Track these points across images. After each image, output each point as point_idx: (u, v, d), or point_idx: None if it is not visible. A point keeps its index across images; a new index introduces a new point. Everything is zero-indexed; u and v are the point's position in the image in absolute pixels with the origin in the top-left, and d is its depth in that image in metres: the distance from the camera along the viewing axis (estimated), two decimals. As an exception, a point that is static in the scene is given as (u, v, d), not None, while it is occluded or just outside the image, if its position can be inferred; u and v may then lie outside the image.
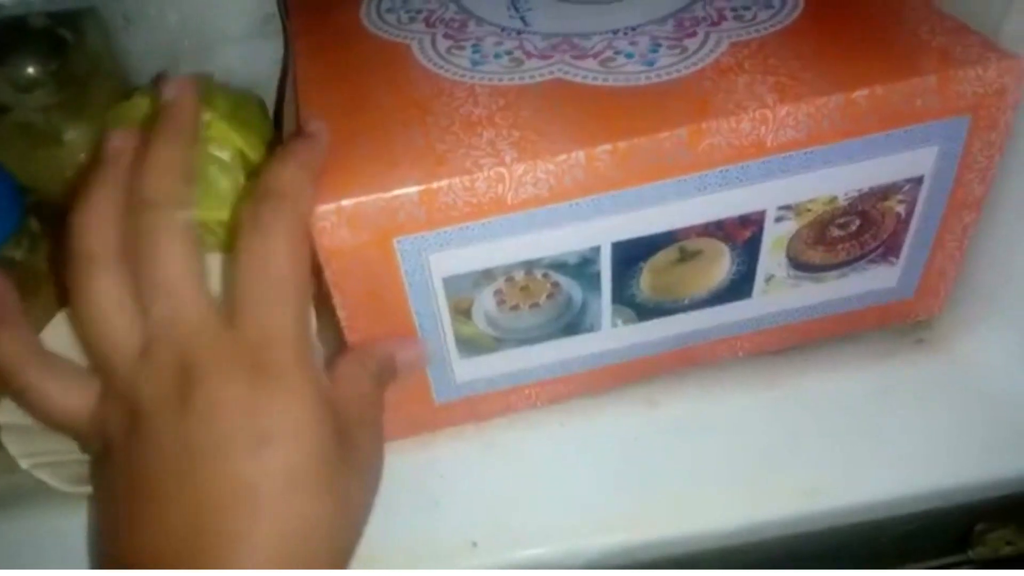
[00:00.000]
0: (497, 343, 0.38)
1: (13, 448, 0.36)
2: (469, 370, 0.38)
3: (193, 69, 0.51)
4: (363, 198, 0.31)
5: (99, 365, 0.31)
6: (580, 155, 0.31)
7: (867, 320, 0.42)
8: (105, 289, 0.31)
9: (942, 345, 0.42)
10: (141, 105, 0.45)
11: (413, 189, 0.31)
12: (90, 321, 0.31)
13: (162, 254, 0.30)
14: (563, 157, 0.31)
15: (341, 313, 0.35)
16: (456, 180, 0.31)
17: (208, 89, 0.47)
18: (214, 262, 0.43)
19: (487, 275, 0.35)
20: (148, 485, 0.29)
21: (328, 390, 0.32)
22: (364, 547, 0.35)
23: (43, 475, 0.36)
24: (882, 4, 0.37)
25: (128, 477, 0.29)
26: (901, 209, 0.37)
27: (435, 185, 0.31)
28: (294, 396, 0.29)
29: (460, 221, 0.32)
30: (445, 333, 0.37)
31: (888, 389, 0.41)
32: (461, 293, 0.35)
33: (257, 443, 0.28)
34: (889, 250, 0.38)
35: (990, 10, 0.37)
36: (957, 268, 0.40)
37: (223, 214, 0.42)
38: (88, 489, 0.36)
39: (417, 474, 0.39)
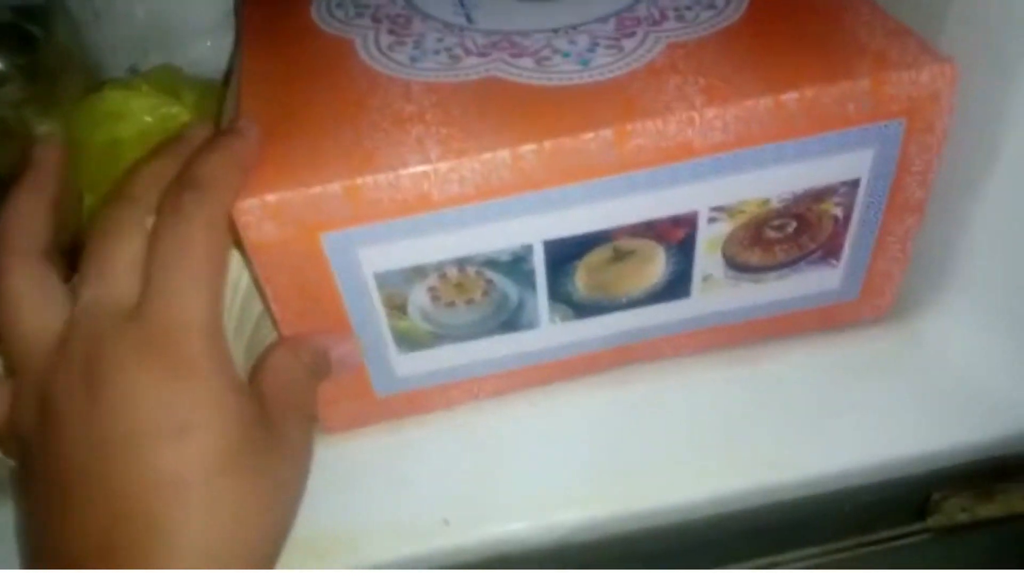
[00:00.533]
0: (435, 338, 0.38)
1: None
2: (408, 365, 0.39)
3: (161, 60, 0.52)
4: (287, 192, 0.31)
5: (14, 360, 0.31)
6: (505, 154, 0.32)
7: (813, 321, 0.42)
8: (22, 279, 0.31)
9: (899, 321, 0.42)
10: (111, 98, 0.46)
11: (337, 184, 0.31)
12: (4, 313, 0.31)
13: (114, 244, 0.31)
14: (488, 155, 0.32)
15: (273, 308, 0.35)
16: (381, 176, 0.31)
17: (175, 81, 0.48)
18: None
19: (419, 271, 0.35)
20: (65, 482, 0.29)
21: (254, 379, 0.32)
22: (334, 526, 0.37)
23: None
24: (826, 6, 0.37)
25: (44, 476, 0.29)
26: (838, 212, 0.37)
27: (359, 181, 0.31)
28: (207, 385, 0.29)
29: (387, 217, 0.32)
30: (381, 327, 0.37)
31: (846, 365, 0.41)
32: (394, 288, 0.35)
33: (176, 432, 0.28)
34: (829, 252, 0.38)
35: (932, 11, 0.36)
36: (902, 269, 0.40)
37: None
38: None
39: (386, 456, 0.40)
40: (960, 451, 0.39)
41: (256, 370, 0.34)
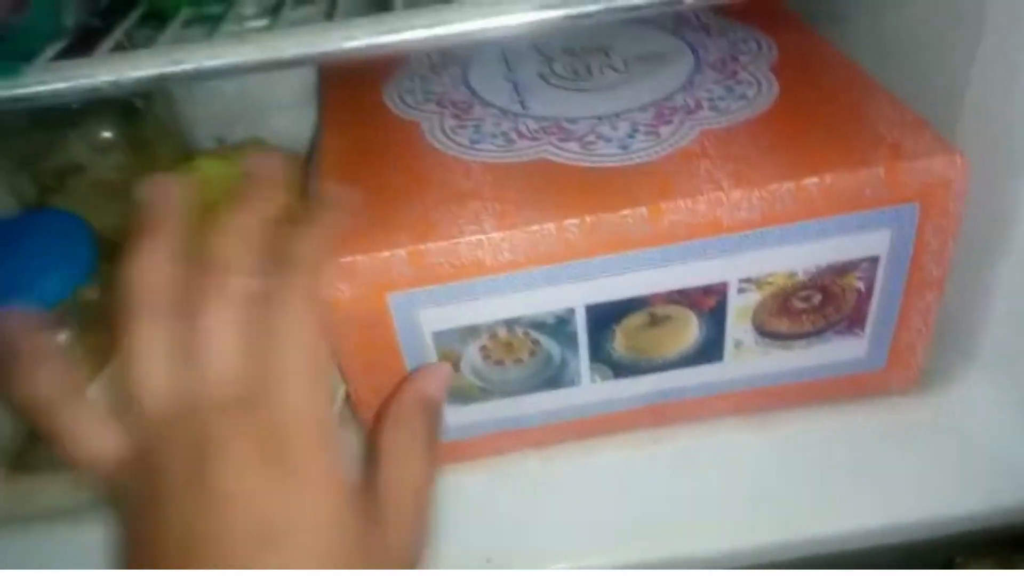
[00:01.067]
0: (484, 393, 0.41)
1: None
2: (458, 416, 0.42)
3: (245, 132, 0.58)
4: (360, 256, 0.35)
5: (130, 413, 0.30)
6: (551, 227, 0.35)
7: (843, 389, 0.44)
8: (150, 336, 0.30)
9: (925, 391, 0.45)
10: (206, 166, 0.51)
11: (402, 251, 0.35)
12: (130, 366, 0.30)
13: (214, 317, 0.30)
14: (536, 227, 0.35)
15: (342, 362, 0.39)
16: (442, 244, 0.35)
17: (261, 152, 0.53)
18: None
19: (472, 331, 0.39)
20: (151, 559, 0.28)
21: (371, 464, 0.33)
22: None
23: None
24: (849, 99, 0.41)
25: (135, 545, 0.29)
26: (861, 285, 0.39)
27: (422, 247, 0.35)
28: (309, 491, 0.28)
29: (445, 280, 0.36)
30: (436, 381, 0.41)
31: (874, 431, 0.44)
32: (450, 347, 0.39)
33: (269, 539, 0.27)
34: (854, 323, 0.41)
35: (950, 104, 0.40)
36: (925, 343, 0.43)
37: None
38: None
39: (437, 495, 0.43)
40: (982, 517, 0.41)
41: (374, 448, 0.34)
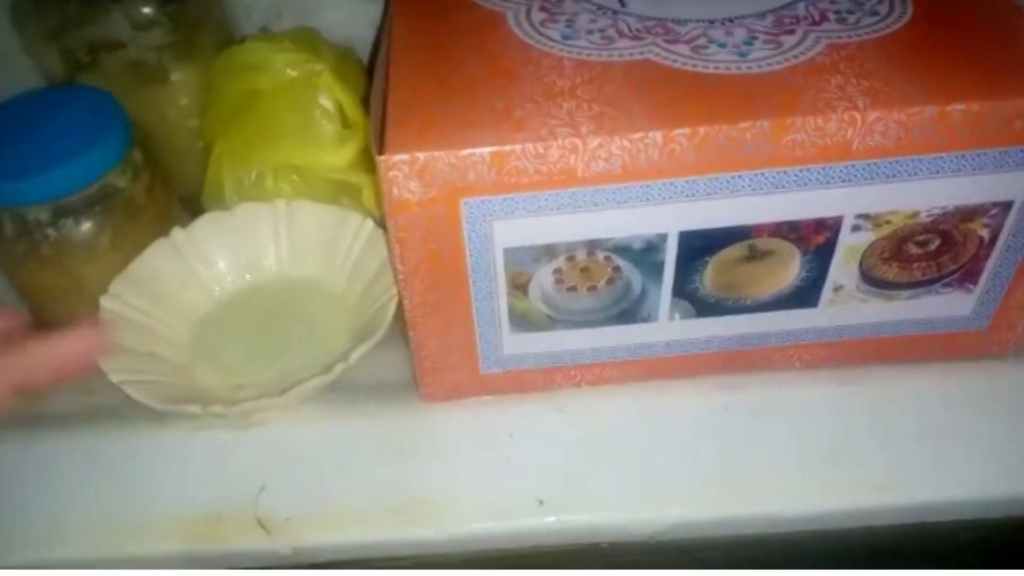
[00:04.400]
0: (550, 322, 0.37)
1: (106, 364, 0.38)
2: (518, 345, 0.38)
3: (293, 24, 0.53)
4: (436, 152, 0.31)
5: None
6: (657, 135, 0.31)
7: (935, 349, 0.40)
8: None
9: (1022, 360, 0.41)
10: (253, 49, 0.46)
11: (485, 150, 0.31)
12: None
13: None
14: (639, 135, 0.31)
15: (399, 268, 0.35)
16: (529, 146, 0.31)
17: (316, 42, 0.48)
18: (311, 208, 0.45)
19: (549, 251, 0.34)
20: None
21: None
22: (424, 492, 0.37)
23: (131, 391, 0.38)
24: (993, 20, 0.36)
25: None
26: (985, 233, 0.35)
27: (507, 148, 0.31)
28: None
29: (528, 189, 0.32)
30: (499, 305, 0.36)
31: (965, 397, 0.40)
32: (520, 267, 0.35)
33: None
34: (967, 276, 0.37)
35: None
36: (1038, 306, 0.39)
37: (326, 158, 0.44)
38: (173, 407, 0.38)
39: (484, 429, 0.40)
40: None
41: None
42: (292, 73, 0.44)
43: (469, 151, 0.31)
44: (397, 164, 0.31)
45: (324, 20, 0.52)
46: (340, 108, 0.45)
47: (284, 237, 0.47)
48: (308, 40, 0.47)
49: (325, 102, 0.45)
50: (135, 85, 0.48)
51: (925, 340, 0.40)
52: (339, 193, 0.47)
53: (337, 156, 0.44)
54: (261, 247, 0.47)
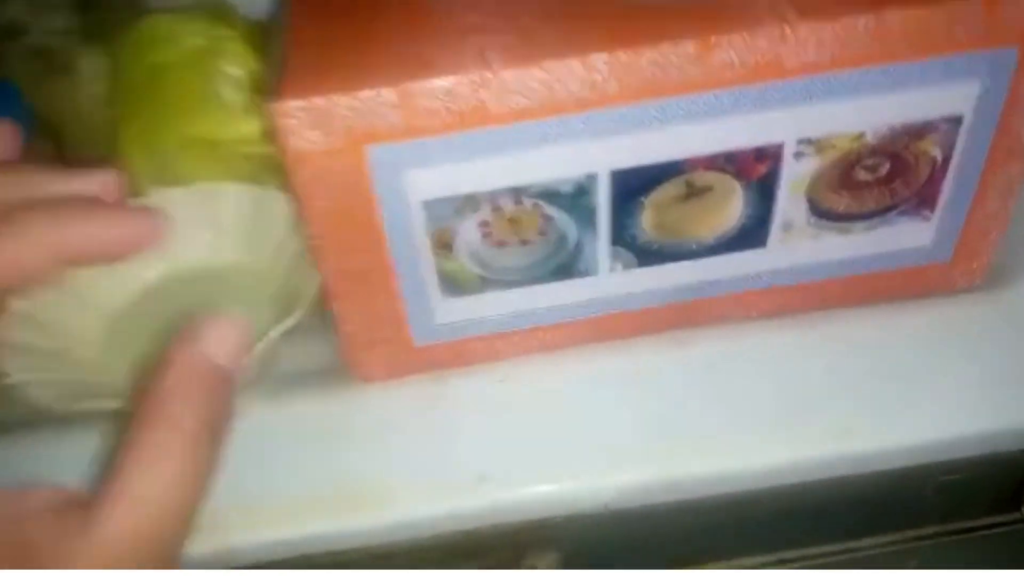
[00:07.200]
0: (483, 282, 0.35)
1: (6, 364, 0.35)
2: (452, 311, 0.36)
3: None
4: (336, 96, 0.28)
5: None
6: (575, 63, 0.28)
7: (897, 286, 0.38)
8: None
9: (992, 289, 0.39)
10: (157, 22, 0.44)
11: (390, 89, 0.28)
12: None
13: None
14: (555, 63, 0.28)
15: (311, 233, 0.32)
16: (436, 82, 0.28)
17: (225, 12, 0.45)
18: (230, 190, 0.42)
19: (471, 201, 0.32)
20: None
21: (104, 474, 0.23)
22: (368, 478, 0.35)
23: (31, 391, 0.35)
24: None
25: None
26: (937, 153, 0.33)
27: (414, 85, 0.28)
28: None
29: (440, 131, 0.29)
30: (425, 267, 0.34)
31: (932, 333, 0.38)
32: (443, 222, 0.32)
33: None
34: (923, 201, 0.35)
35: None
36: (1001, 230, 0.36)
37: (237, 128, 0.41)
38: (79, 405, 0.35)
39: (424, 407, 0.37)
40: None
41: (101, 491, 0.23)
42: (199, 42, 0.42)
43: (370, 92, 0.28)
44: (292, 111, 0.28)
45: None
46: (252, 78, 0.43)
47: (203, 223, 0.44)
48: (217, 12, 0.44)
49: (234, 71, 0.42)
50: (42, 74, 0.45)
51: (887, 277, 0.38)
52: (261, 171, 0.44)
53: (249, 125, 0.41)
54: (179, 235, 0.44)
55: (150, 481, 0.22)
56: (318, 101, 0.28)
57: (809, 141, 0.32)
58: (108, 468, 0.23)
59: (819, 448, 0.35)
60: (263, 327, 0.40)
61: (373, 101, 0.28)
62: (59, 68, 0.45)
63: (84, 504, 0.22)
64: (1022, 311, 0.38)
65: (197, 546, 0.33)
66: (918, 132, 0.32)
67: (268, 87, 0.30)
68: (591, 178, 0.32)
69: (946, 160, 0.33)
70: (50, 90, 0.45)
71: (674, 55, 0.29)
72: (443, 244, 0.33)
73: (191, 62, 0.42)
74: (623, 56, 0.29)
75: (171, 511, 0.23)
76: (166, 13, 0.43)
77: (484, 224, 0.33)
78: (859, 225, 0.35)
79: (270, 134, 0.42)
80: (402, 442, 0.36)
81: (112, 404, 0.35)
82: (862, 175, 0.33)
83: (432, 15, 0.32)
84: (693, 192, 0.33)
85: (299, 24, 0.32)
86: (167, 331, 0.41)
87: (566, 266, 0.35)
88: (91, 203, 0.30)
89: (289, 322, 0.36)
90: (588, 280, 0.35)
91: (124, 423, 0.24)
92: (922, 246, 0.36)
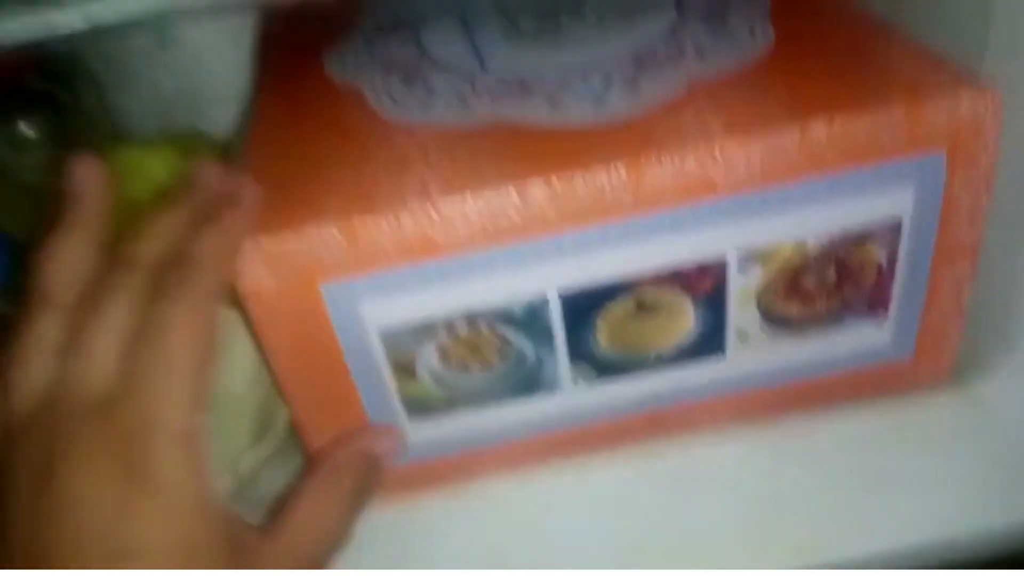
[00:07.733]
0: (448, 404, 0.35)
1: None
2: (419, 433, 0.36)
3: (185, 124, 0.52)
4: (282, 234, 0.29)
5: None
6: (511, 191, 0.30)
7: (865, 386, 0.38)
8: (42, 329, 0.28)
9: (958, 386, 0.39)
10: (125, 155, 0.45)
11: (334, 226, 0.29)
12: (11, 358, 0.28)
13: (107, 314, 0.27)
14: (493, 193, 0.30)
15: (272, 367, 0.33)
16: (381, 218, 0.30)
17: (196, 140, 0.47)
18: None
19: (427, 328, 0.33)
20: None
21: (273, 525, 0.30)
22: None
23: None
24: (858, 40, 0.35)
25: None
26: (881, 257, 0.34)
27: (356, 220, 0.30)
28: (165, 508, 0.25)
29: (389, 264, 0.30)
30: (388, 392, 0.34)
31: (900, 435, 0.37)
32: (402, 348, 0.33)
33: (116, 556, 0.25)
34: (874, 304, 0.35)
35: (970, 43, 0.34)
36: (958, 327, 0.37)
37: None
38: None
39: (396, 532, 0.37)
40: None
41: (279, 518, 0.31)
42: (163, 177, 0.43)
43: (315, 228, 0.30)
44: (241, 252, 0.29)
45: (218, 122, 0.51)
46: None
47: None
48: (188, 139, 0.45)
49: None
50: (20, 208, 0.46)
51: (850, 378, 0.38)
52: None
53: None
54: None
55: (313, 517, 0.31)
56: (264, 240, 0.29)
57: (751, 253, 0.32)
58: (285, 503, 0.31)
59: (784, 564, 0.34)
60: (239, 450, 0.40)
61: (318, 237, 0.30)
62: (41, 201, 0.47)
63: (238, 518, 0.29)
64: (992, 406, 0.38)
65: None
66: (859, 238, 0.33)
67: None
68: (542, 300, 0.32)
69: (891, 263, 0.34)
70: (28, 224, 0.47)
71: (607, 180, 0.30)
72: (405, 370, 0.34)
73: (162, 198, 0.43)
74: (557, 183, 0.30)
75: (321, 540, 0.31)
76: (133, 147, 0.45)
77: (443, 349, 0.33)
78: (814, 330, 0.35)
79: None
80: (374, 566, 0.36)
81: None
82: (810, 282, 0.34)
83: (376, 147, 0.33)
84: (644, 309, 0.33)
85: (253, 158, 0.34)
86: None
87: (528, 384, 0.35)
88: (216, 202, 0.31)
89: (258, 453, 0.36)
90: (551, 396, 0.36)
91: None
92: (882, 346, 0.37)
